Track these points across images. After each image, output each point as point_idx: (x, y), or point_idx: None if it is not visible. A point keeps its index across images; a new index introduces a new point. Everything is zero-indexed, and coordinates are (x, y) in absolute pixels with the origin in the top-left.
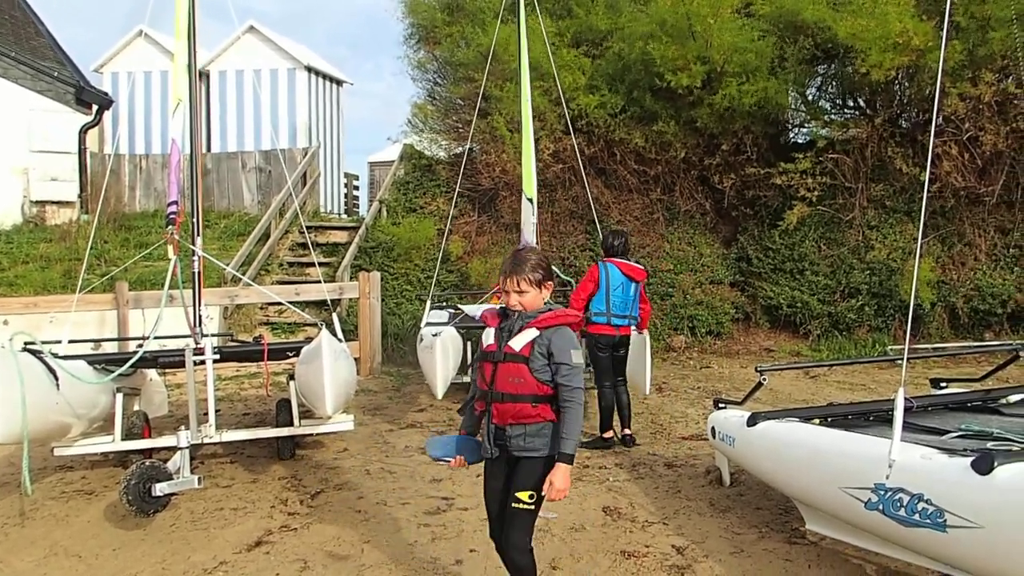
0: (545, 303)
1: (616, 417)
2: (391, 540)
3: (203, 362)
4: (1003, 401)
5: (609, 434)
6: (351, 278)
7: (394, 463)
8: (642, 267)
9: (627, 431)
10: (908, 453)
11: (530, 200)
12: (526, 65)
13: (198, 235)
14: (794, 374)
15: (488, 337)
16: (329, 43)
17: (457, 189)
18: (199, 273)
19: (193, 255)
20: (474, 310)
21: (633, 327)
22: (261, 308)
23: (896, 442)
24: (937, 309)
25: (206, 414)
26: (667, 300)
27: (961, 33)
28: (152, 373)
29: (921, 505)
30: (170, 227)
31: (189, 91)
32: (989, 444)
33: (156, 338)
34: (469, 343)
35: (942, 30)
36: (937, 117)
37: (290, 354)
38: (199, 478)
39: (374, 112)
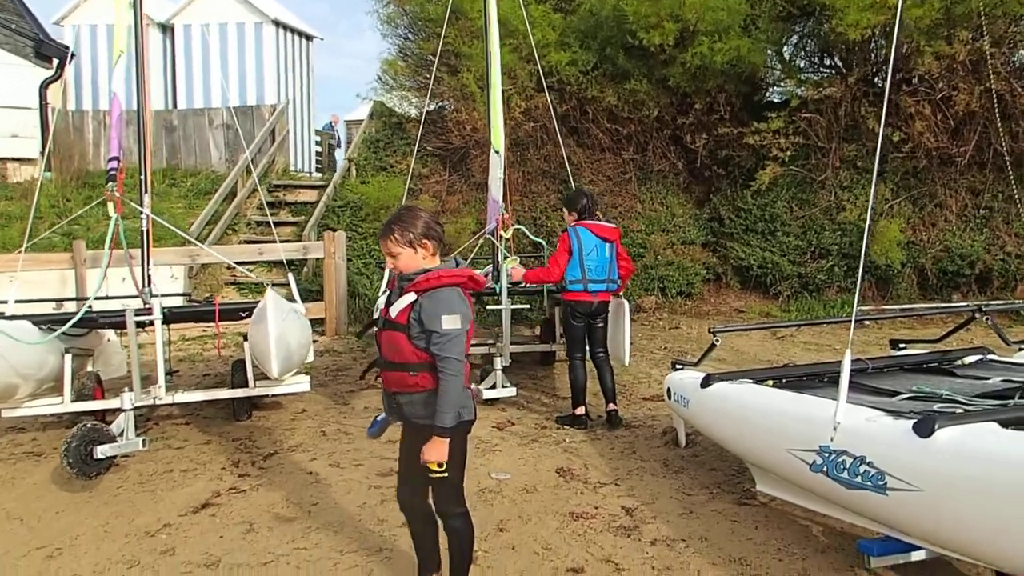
0: (443, 263)
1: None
2: (340, 502)
3: (150, 323)
4: (958, 363)
5: (581, 411)
6: (317, 238)
7: (351, 424)
8: (614, 225)
9: (611, 406)
10: (853, 415)
11: (497, 152)
12: (494, 8)
13: (145, 192)
14: (761, 335)
15: (382, 302)
16: (308, 3)
17: (416, 146)
18: (147, 232)
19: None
20: None
21: (612, 292)
22: (228, 268)
23: (841, 404)
24: (906, 270)
25: (167, 373)
26: (638, 261)
27: None
28: (110, 333)
29: (863, 467)
30: (111, 184)
31: (136, 43)
32: (936, 406)
33: (122, 298)
34: None
35: None
36: (905, 82)
37: (243, 314)
38: (144, 440)
39: (353, 71)
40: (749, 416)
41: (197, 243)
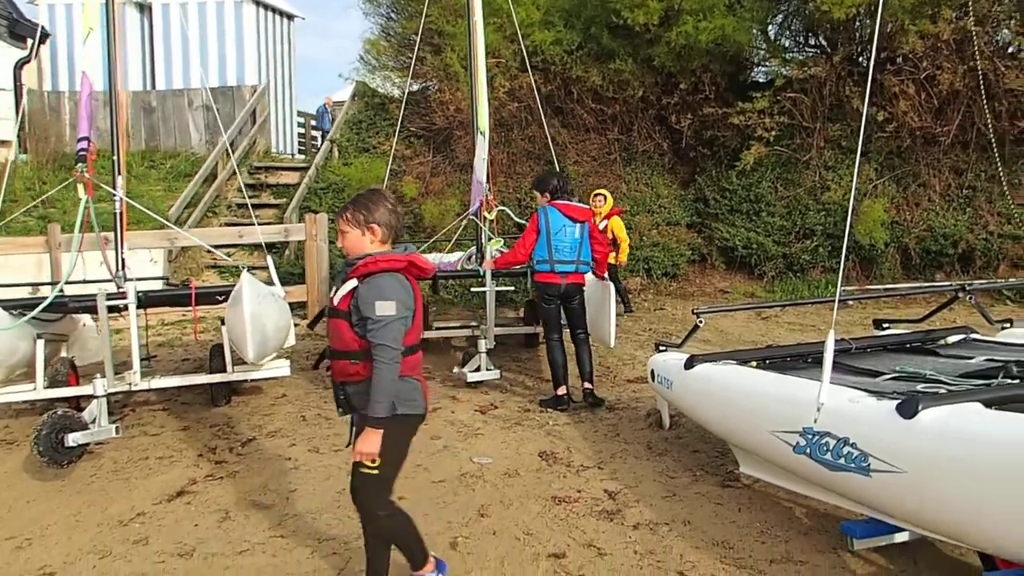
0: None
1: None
2: (318, 488)
3: (125, 308)
4: (941, 342)
5: (562, 391)
6: (299, 220)
7: (332, 408)
8: (586, 206)
9: (587, 385)
10: (837, 396)
11: (482, 134)
12: None
13: (119, 174)
14: (746, 315)
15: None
16: None
17: (398, 127)
18: (120, 214)
19: (120, 197)
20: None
21: (587, 273)
22: (208, 251)
23: (825, 385)
24: (890, 250)
25: (145, 358)
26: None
27: None
28: (86, 318)
29: (846, 449)
30: (80, 165)
31: (108, 19)
32: (919, 387)
33: (100, 282)
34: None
35: None
36: (889, 61)
37: (220, 298)
38: (117, 427)
39: (342, 52)
40: (732, 397)
41: (171, 225)
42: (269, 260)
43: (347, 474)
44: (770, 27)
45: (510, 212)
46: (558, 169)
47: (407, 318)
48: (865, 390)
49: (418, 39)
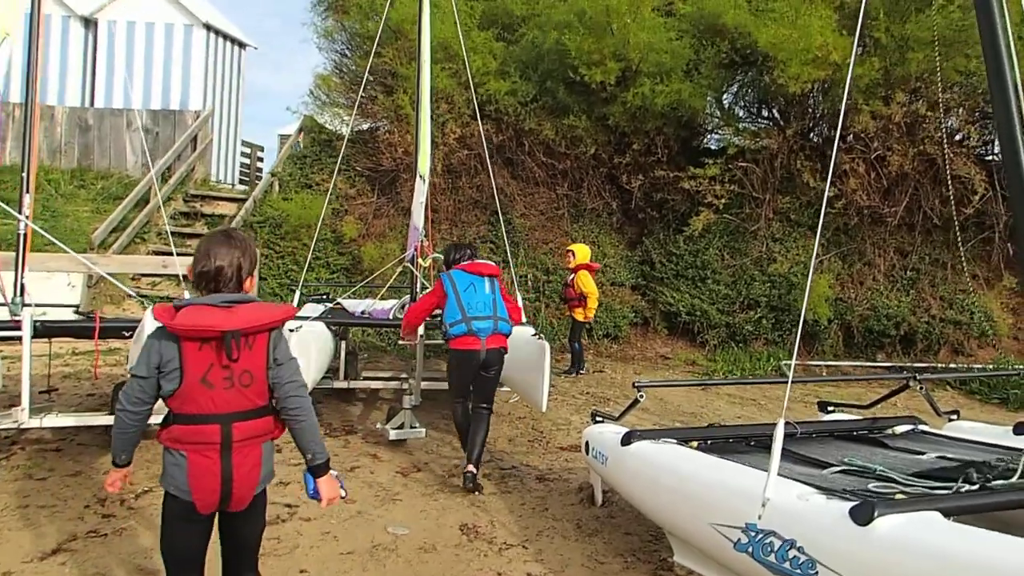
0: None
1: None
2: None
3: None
4: (889, 432)
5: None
6: None
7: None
8: (492, 263)
9: (471, 468)
10: (784, 491)
11: (422, 177)
12: (426, 30)
13: (27, 192)
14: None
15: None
16: (260, 17)
17: (339, 163)
18: (25, 237)
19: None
20: (356, 305)
21: (507, 334)
22: (132, 279)
23: (772, 478)
24: (833, 326)
25: (45, 391)
26: (565, 303)
27: (880, 50)
28: None
29: (792, 552)
30: None
31: (30, 28)
32: (871, 485)
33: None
34: (344, 343)
35: (859, 45)
36: (843, 137)
37: (126, 333)
38: None
39: (296, 86)
40: (670, 482)
41: (68, 250)
42: (186, 295)
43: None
44: (725, 96)
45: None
46: (502, 221)
47: (144, 379)
48: (814, 485)
49: (364, 77)
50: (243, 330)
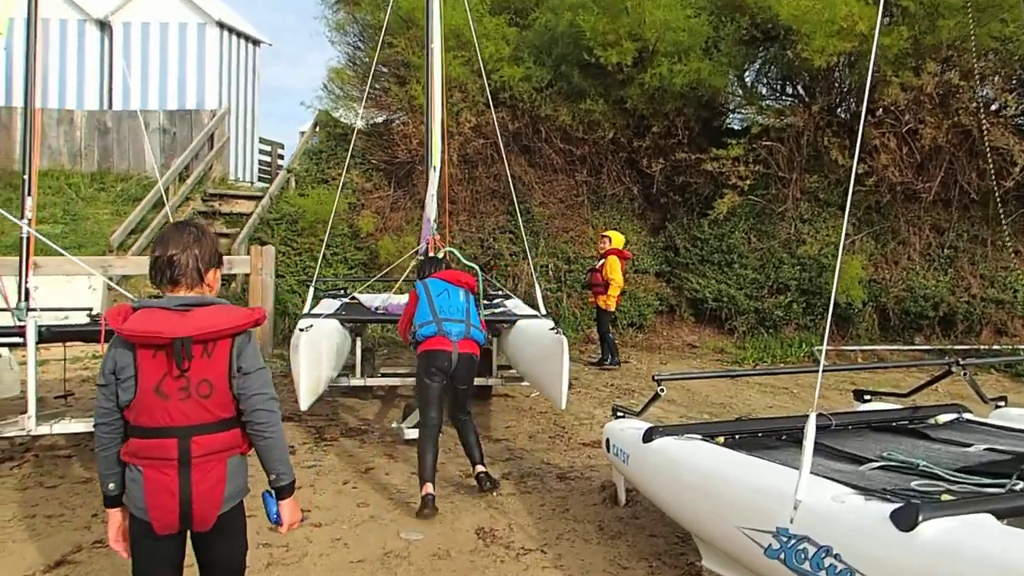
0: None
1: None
2: None
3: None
4: (931, 422)
5: (427, 489)
6: (248, 251)
7: (256, 463)
8: (471, 275)
9: (480, 468)
10: (818, 492)
11: (434, 168)
12: (436, 18)
13: (28, 195)
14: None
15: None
16: (273, 10)
17: (349, 157)
18: (27, 240)
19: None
20: (373, 300)
21: (480, 343)
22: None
23: (804, 477)
24: (867, 309)
25: (61, 397)
26: (588, 289)
27: (908, 18)
28: (3, 350)
29: (828, 560)
30: None
31: (28, 32)
32: (913, 483)
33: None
34: (359, 339)
35: (885, 14)
36: (870, 113)
37: None
38: None
39: (312, 81)
40: (696, 481)
41: (66, 254)
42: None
43: (256, 545)
44: (747, 73)
45: (458, 254)
46: (518, 210)
47: (104, 387)
48: (851, 485)
49: (372, 68)
50: (197, 336)
